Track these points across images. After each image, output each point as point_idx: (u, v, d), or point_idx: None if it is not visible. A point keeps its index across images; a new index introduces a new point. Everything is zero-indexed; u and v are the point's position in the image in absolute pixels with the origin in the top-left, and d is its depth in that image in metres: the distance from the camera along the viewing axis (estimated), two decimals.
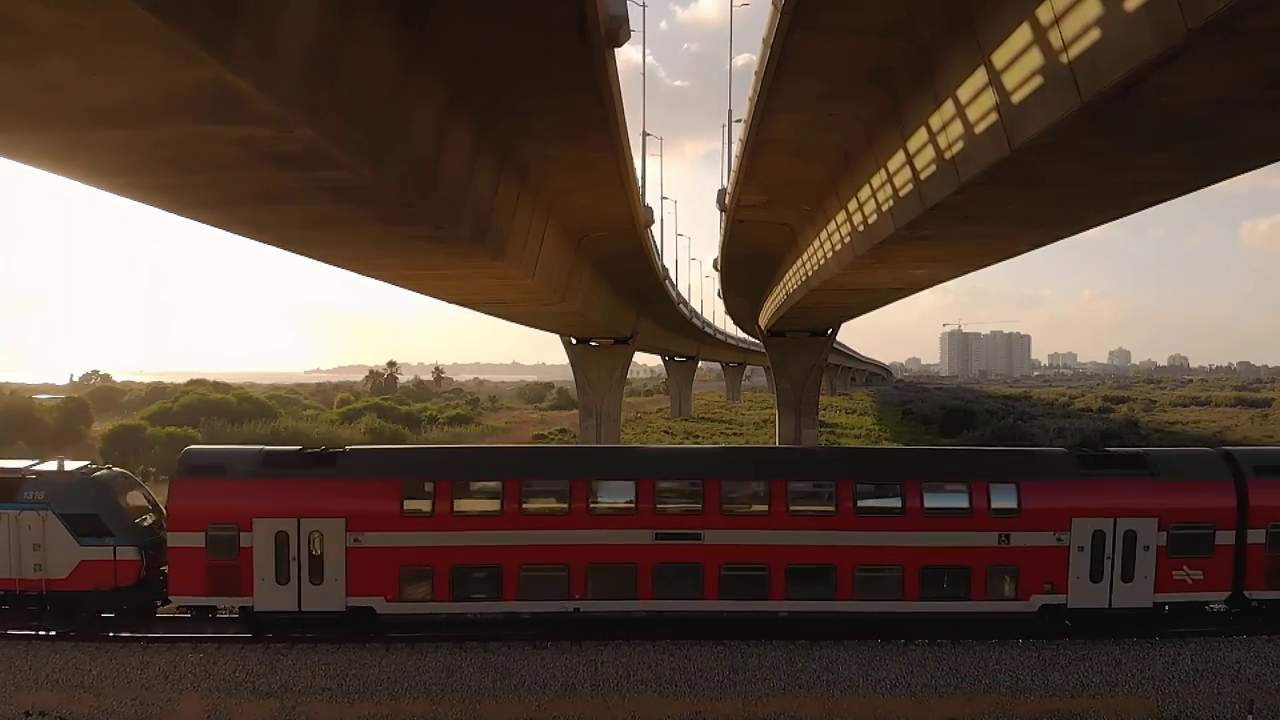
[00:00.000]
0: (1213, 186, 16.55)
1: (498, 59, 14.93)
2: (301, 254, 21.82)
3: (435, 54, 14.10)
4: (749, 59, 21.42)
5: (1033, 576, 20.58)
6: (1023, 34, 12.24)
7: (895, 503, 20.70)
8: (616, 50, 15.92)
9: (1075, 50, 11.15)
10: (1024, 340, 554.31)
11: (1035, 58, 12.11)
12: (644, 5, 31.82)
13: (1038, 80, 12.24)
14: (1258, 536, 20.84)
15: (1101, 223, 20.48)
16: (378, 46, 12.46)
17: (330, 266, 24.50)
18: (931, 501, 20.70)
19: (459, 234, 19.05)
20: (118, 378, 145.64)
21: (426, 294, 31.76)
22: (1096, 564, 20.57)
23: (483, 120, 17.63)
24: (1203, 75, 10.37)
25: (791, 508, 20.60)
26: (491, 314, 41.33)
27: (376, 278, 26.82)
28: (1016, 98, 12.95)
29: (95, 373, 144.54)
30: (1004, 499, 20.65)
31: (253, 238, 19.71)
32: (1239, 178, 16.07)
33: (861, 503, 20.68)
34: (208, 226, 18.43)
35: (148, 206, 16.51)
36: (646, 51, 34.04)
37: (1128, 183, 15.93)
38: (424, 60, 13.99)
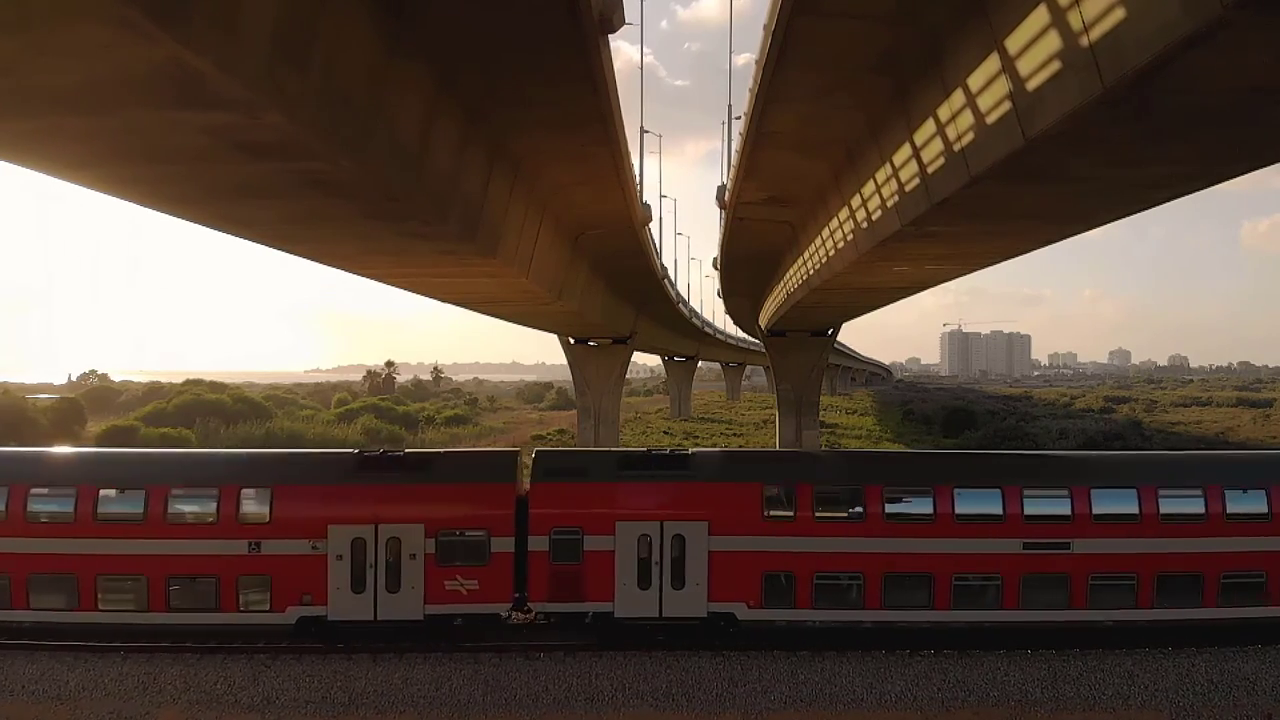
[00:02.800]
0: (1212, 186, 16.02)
1: (486, 45, 14.22)
2: (287, 251, 21.17)
3: (419, 39, 13.41)
4: (749, 58, 20.78)
5: (287, 587, 19.57)
6: (1039, 16, 11.56)
7: (137, 509, 19.68)
8: (615, 48, 15.38)
9: (1097, 32, 10.47)
10: (1024, 340, 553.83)
11: (1053, 41, 11.43)
12: None
13: (1055, 65, 11.56)
14: (540, 544, 19.76)
15: (1114, 219, 19.83)
16: (354, 28, 11.77)
17: (322, 265, 23.90)
18: (178, 506, 19.75)
19: (448, 230, 18.38)
20: (117, 377, 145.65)
21: (418, 293, 31.12)
22: (358, 574, 19.54)
23: (472, 111, 16.94)
24: (1237, 57, 9.69)
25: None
26: (486, 313, 40.69)
27: (366, 276, 26.15)
28: (1032, 85, 12.27)
29: (93, 372, 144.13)
30: (256, 504, 19.74)
31: (236, 234, 19.09)
32: (1240, 176, 15.41)
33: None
34: (193, 224, 17.91)
35: (130, 204, 15.95)
36: (646, 50, 33.41)
37: (1145, 176, 15.26)
38: (407, 45, 13.31)
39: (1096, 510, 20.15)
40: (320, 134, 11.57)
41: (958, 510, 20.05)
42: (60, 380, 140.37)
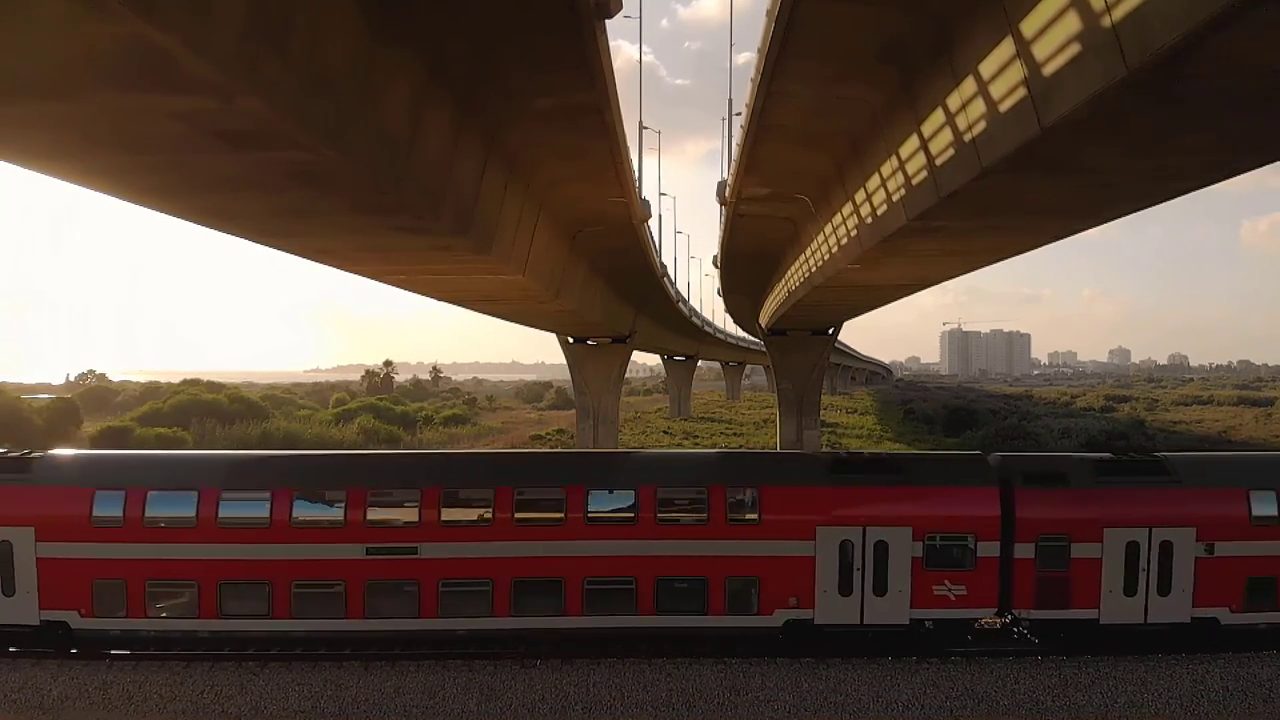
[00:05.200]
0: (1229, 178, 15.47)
1: (478, 31, 13.65)
2: (275, 247, 20.62)
3: (408, 23, 12.83)
4: (750, 55, 20.22)
5: None
6: None
7: None
8: (615, 47, 14.79)
9: (1120, 11, 9.91)
10: (1024, 339, 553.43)
11: (1072, 22, 10.86)
12: None
13: (1075, 48, 11.00)
14: None
15: (1125, 213, 19.24)
16: (337, 9, 11.19)
17: (315, 264, 23.33)
18: None
19: (440, 225, 17.81)
20: (116, 377, 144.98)
21: (413, 290, 30.53)
22: None
23: (464, 101, 16.35)
24: (1269, 37, 9.13)
25: None
26: (483, 312, 40.13)
27: (359, 274, 25.58)
28: (1049, 69, 11.70)
29: (91, 372, 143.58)
30: None
31: (222, 229, 18.57)
32: (1257, 168, 14.85)
33: None
34: (178, 219, 17.34)
35: (112, 197, 15.40)
36: (646, 48, 32.93)
37: (1163, 167, 14.70)
38: (395, 30, 12.73)
39: (447, 514, 19.24)
40: (301, 121, 11.01)
41: (296, 514, 19.16)
42: (59, 380, 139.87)
